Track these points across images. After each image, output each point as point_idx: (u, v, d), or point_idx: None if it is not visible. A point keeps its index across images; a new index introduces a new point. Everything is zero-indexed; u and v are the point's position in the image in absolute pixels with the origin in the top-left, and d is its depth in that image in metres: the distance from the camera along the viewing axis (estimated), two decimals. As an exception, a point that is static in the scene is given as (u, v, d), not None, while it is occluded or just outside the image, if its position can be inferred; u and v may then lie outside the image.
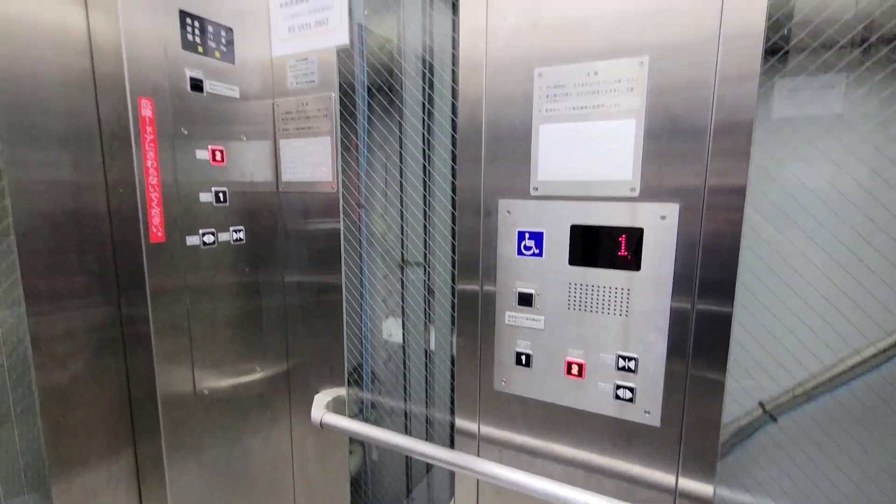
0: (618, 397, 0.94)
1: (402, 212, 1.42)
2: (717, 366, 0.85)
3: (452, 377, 1.42)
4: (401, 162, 1.39)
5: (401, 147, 1.38)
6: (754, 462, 1.13)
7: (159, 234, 1.06)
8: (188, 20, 1.08)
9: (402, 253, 1.44)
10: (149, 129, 1.02)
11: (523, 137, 0.96)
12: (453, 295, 1.32)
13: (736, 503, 1.01)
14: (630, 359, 0.92)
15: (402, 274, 1.45)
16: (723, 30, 0.78)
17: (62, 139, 1.01)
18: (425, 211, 1.40)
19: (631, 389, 0.93)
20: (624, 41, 0.85)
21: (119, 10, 0.97)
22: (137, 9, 0.99)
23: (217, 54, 1.15)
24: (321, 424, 1.30)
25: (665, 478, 0.92)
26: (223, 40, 1.17)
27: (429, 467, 1.69)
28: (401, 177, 1.40)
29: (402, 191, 1.41)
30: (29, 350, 1.01)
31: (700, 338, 0.86)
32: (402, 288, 1.46)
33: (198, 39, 1.11)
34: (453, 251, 1.33)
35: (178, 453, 1.16)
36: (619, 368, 0.93)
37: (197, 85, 1.11)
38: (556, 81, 0.91)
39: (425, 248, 1.42)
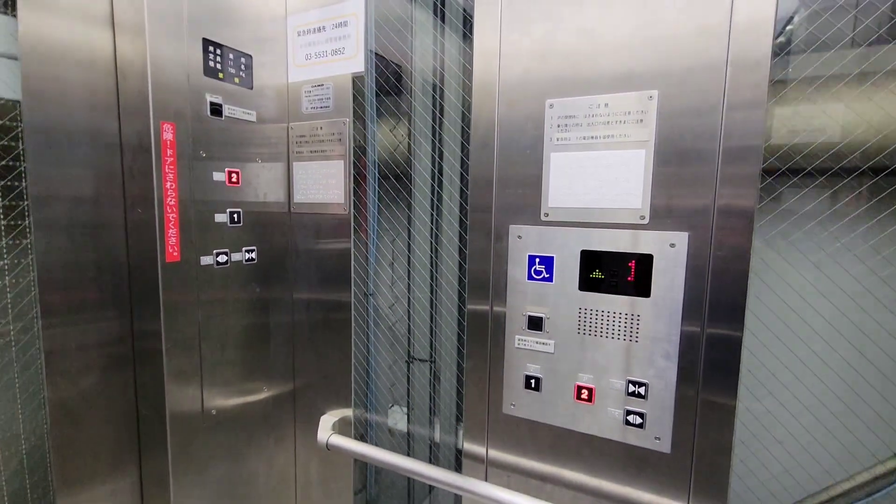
0: (628, 423, 0.94)
1: (409, 229, 1.44)
2: (728, 391, 0.86)
3: (461, 399, 1.42)
4: (411, 184, 1.42)
5: (411, 170, 1.41)
6: None
7: (175, 253, 1.08)
8: (210, 48, 1.12)
9: (408, 278, 1.45)
10: (169, 151, 1.05)
11: (534, 164, 0.99)
12: (462, 317, 1.33)
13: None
14: (640, 384, 0.92)
15: (409, 292, 1.46)
16: (730, 59, 0.81)
17: (84, 159, 1.04)
18: (432, 229, 1.42)
19: (641, 415, 0.93)
20: (633, 74, 0.88)
21: (147, 38, 1.00)
22: (164, 36, 1.03)
23: (236, 80, 1.19)
24: (327, 446, 1.29)
25: (676, 506, 0.92)
26: (242, 66, 1.21)
27: (431, 487, 1.67)
28: (410, 198, 1.42)
29: (410, 211, 1.43)
30: (42, 367, 1.01)
31: (710, 363, 0.86)
32: (409, 316, 1.47)
33: (219, 66, 1.14)
34: (461, 271, 1.35)
35: (184, 474, 1.16)
36: (629, 394, 0.93)
37: (216, 109, 1.15)
38: (567, 112, 0.94)
39: (433, 268, 1.44)
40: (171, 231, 1.06)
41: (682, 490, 0.91)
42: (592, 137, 0.92)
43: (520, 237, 1.01)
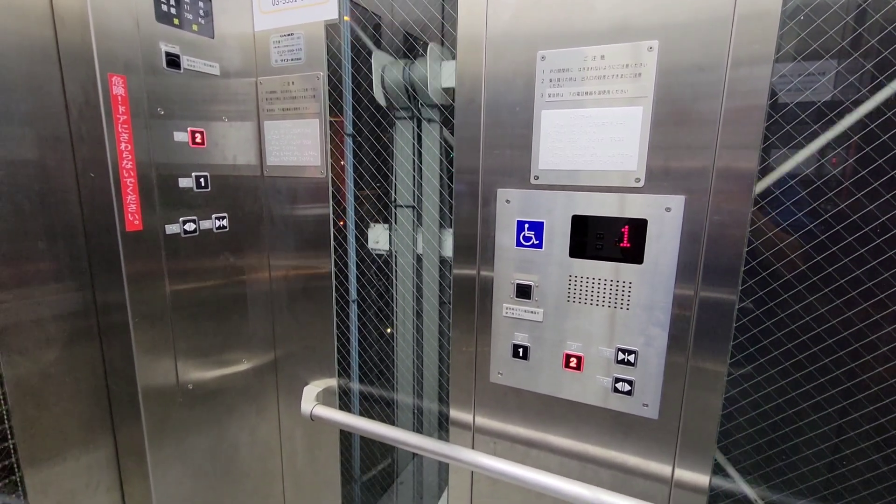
0: (616, 390, 0.93)
1: (394, 198, 1.37)
2: (719, 358, 0.84)
3: (445, 367, 1.40)
4: (392, 145, 1.34)
5: (393, 130, 1.33)
6: None
7: (136, 221, 1.00)
8: (162, -11, 0.99)
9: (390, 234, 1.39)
10: (121, 108, 0.95)
11: (524, 123, 0.92)
12: (448, 285, 1.29)
13: (731, 492, 1.02)
14: (630, 352, 0.90)
15: (394, 260, 1.41)
16: (737, 10, 0.74)
17: (25, 117, 0.93)
18: (415, 192, 1.36)
19: (630, 382, 0.92)
20: (632, 23, 0.81)
21: (84, -24, 0.88)
22: (105, -25, 0.90)
23: (194, 27, 1.07)
24: (311, 417, 1.27)
25: (661, 468, 0.93)
26: (201, 12, 1.08)
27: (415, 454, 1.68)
28: (393, 162, 1.35)
29: (394, 176, 1.36)
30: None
31: (702, 331, 0.85)
32: (392, 271, 1.42)
33: (173, 10, 1.02)
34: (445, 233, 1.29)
35: (161, 448, 1.12)
36: (618, 362, 0.92)
37: (173, 61, 1.03)
38: (560, 65, 0.87)
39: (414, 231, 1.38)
40: (129, 198, 0.98)
41: (668, 455, 0.91)
42: (587, 93, 0.86)
43: (508, 202, 0.96)
